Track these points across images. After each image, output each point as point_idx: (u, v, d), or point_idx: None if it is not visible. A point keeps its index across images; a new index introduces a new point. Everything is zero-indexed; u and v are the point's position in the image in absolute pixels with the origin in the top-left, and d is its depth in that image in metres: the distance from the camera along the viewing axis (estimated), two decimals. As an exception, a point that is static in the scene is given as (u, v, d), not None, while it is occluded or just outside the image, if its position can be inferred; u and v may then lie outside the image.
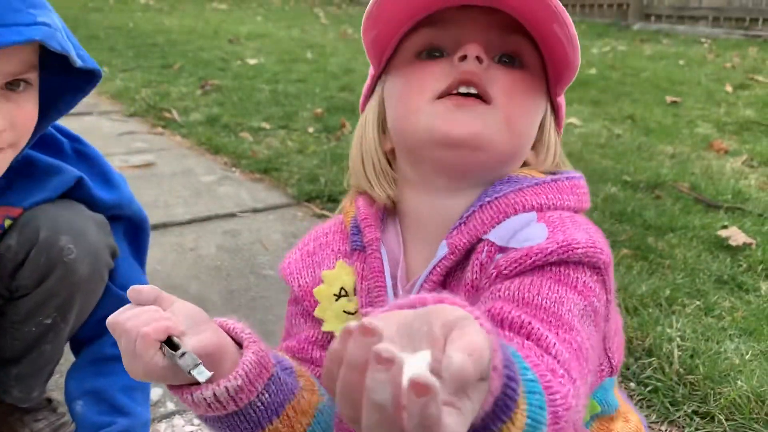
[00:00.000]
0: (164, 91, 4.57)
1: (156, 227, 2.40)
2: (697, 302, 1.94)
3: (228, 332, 0.71)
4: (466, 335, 0.40)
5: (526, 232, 0.73)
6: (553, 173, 0.83)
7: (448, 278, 0.79)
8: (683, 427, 1.49)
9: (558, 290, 0.68)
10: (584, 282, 0.69)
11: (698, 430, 1.48)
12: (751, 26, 7.72)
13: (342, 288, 0.85)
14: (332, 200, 2.70)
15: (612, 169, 3.14)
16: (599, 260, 0.71)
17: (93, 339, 1.28)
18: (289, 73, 5.26)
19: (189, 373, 0.64)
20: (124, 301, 1.26)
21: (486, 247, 0.74)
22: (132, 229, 1.33)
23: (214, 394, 0.66)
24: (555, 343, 0.62)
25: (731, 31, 7.82)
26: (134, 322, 0.65)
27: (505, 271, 0.70)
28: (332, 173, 2.95)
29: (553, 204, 0.77)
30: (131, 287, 0.70)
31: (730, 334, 1.79)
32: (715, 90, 4.91)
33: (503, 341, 0.51)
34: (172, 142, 3.64)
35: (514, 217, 0.75)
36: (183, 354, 0.64)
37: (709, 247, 2.34)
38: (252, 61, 5.66)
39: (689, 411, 1.52)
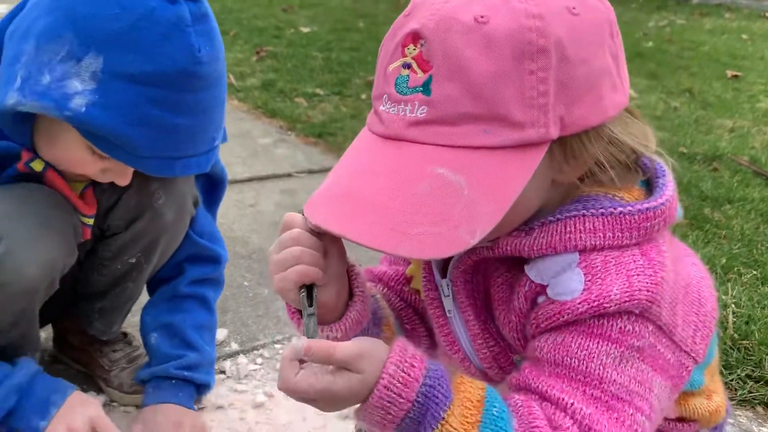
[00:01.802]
0: (220, 57, 4.64)
1: (217, 184, 2.48)
2: (754, 272, 1.93)
3: (349, 277, 0.83)
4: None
5: (562, 281, 0.73)
6: (646, 181, 0.79)
7: (485, 268, 0.81)
8: (736, 389, 1.50)
9: (588, 346, 0.71)
10: (620, 328, 0.71)
11: (751, 393, 1.49)
12: (819, 1, 7.41)
13: None
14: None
15: (668, 141, 3.09)
16: (635, 307, 0.71)
17: (170, 279, 1.36)
18: (341, 41, 5.28)
19: (302, 334, 0.75)
20: (201, 248, 1.35)
21: (528, 281, 0.76)
22: (209, 184, 1.40)
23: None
24: (572, 403, 0.70)
25: (798, 6, 7.52)
26: (300, 255, 0.79)
27: (542, 325, 0.74)
28: (386, 138, 2.98)
29: (608, 244, 0.73)
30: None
31: (787, 304, 1.78)
32: (778, 65, 4.77)
33: (443, 371, 0.69)
34: (229, 105, 3.69)
35: (557, 257, 0.74)
36: (311, 315, 0.74)
37: (768, 219, 2.31)
38: (305, 30, 5.70)
39: (743, 375, 1.53)
